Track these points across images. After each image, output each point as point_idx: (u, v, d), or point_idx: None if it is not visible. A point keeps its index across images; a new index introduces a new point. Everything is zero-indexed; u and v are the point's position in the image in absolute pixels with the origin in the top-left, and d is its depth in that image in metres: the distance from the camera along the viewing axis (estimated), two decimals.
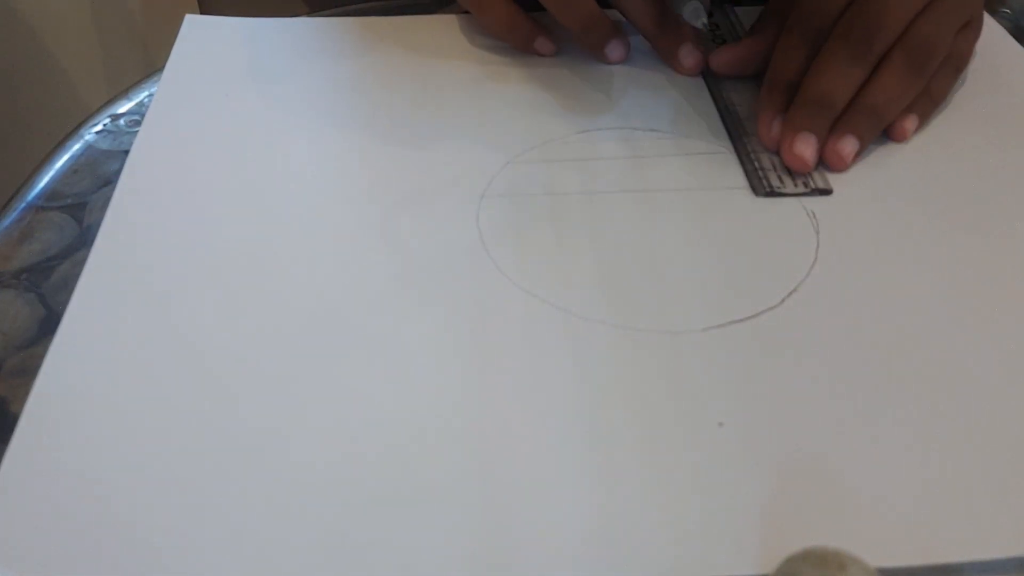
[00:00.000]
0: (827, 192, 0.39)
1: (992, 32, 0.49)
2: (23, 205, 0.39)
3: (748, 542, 0.26)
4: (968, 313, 0.33)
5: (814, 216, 0.37)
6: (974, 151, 0.41)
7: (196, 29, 0.47)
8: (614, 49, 0.46)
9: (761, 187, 0.39)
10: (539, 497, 0.27)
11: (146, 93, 0.45)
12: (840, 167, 0.40)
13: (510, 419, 0.30)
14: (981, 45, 0.46)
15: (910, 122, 0.41)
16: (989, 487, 0.28)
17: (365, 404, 0.30)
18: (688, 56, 0.45)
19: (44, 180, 0.40)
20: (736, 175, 0.39)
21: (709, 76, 0.45)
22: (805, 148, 0.39)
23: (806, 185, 0.39)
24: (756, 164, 0.40)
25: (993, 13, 0.51)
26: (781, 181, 0.39)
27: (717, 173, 0.40)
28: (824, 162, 0.40)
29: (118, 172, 0.39)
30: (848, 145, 0.40)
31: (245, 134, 0.41)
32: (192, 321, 0.32)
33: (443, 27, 0.48)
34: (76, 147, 0.42)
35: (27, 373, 0.31)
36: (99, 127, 0.43)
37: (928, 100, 0.42)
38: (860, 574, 0.24)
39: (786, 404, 0.30)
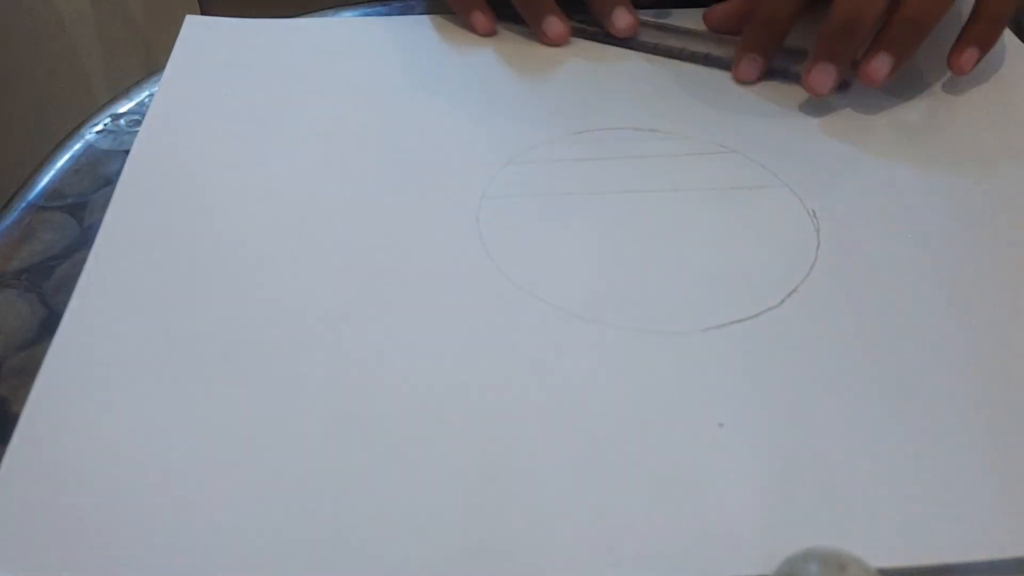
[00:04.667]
0: None
1: None
2: (23, 205, 0.39)
3: (748, 542, 0.26)
4: (968, 313, 0.33)
5: (814, 216, 0.37)
6: (975, 149, 0.41)
7: (196, 30, 0.47)
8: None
9: None
10: (539, 496, 0.27)
11: (146, 93, 0.45)
12: (874, 85, 0.40)
13: (509, 419, 0.30)
14: None
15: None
16: (988, 487, 0.28)
17: (365, 404, 0.30)
18: (621, 18, 0.46)
19: (44, 180, 0.40)
20: (735, 173, 0.39)
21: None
22: (823, 80, 0.40)
23: None
24: None
25: None
26: None
27: (717, 173, 0.39)
28: (859, 79, 0.41)
29: (118, 172, 0.39)
30: (883, 65, 0.40)
31: (245, 134, 0.41)
32: (192, 321, 0.32)
33: (442, 27, 0.48)
34: (76, 147, 0.42)
35: (27, 373, 0.31)
36: (99, 127, 0.43)
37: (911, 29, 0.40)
38: (860, 574, 0.24)
39: (786, 404, 0.30)
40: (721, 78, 0.45)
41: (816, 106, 0.43)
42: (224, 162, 0.39)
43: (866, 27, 0.40)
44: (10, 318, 0.34)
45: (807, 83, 0.41)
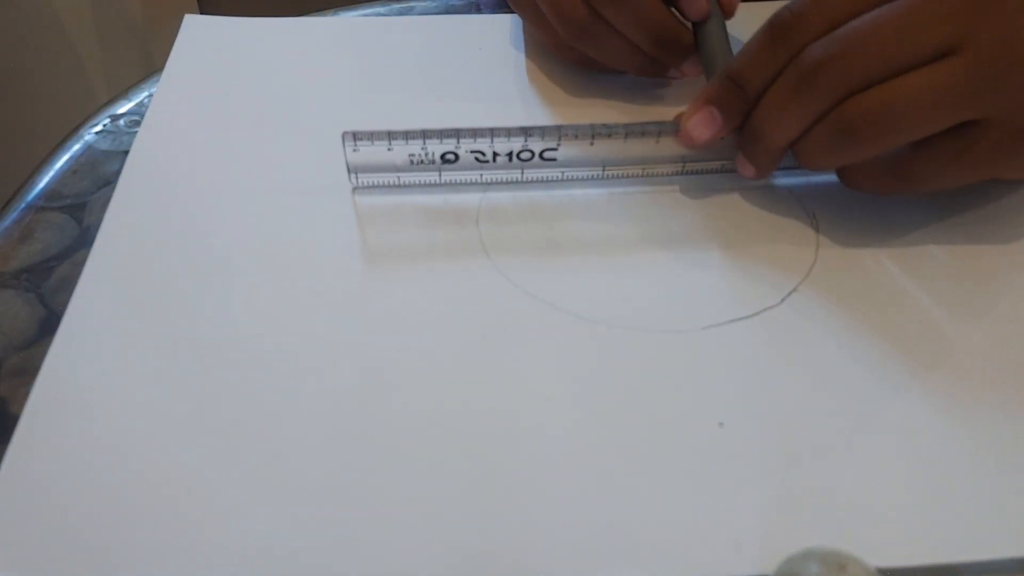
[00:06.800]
0: None
1: None
2: (23, 205, 0.39)
3: (748, 542, 0.26)
4: (968, 312, 0.33)
5: (814, 216, 0.37)
6: None
7: (196, 29, 0.47)
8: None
9: None
10: (540, 496, 0.27)
11: (146, 93, 0.45)
12: (688, 142, 0.37)
13: (511, 419, 0.30)
14: None
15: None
16: (988, 487, 0.28)
17: (367, 404, 0.30)
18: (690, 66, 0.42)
19: (44, 180, 0.40)
20: (735, 173, 0.39)
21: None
22: (703, 124, 0.36)
23: None
24: None
25: None
26: None
27: (720, 173, 0.39)
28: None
29: (118, 172, 0.39)
30: (704, 124, 0.37)
31: (244, 134, 0.41)
32: (191, 321, 0.32)
33: (442, 28, 0.48)
34: (76, 147, 0.42)
35: (27, 373, 0.31)
36: (99, 127, 0.43)
37: None
38: (860, 574, 0.24)
39: (786, 404, 0.30)
40: None
41: None
42: (223, 162, 0.39)
43: (752, 85, 0.35)
44: (9, 318, 0.34)
45: (684, 131, 0.37)
